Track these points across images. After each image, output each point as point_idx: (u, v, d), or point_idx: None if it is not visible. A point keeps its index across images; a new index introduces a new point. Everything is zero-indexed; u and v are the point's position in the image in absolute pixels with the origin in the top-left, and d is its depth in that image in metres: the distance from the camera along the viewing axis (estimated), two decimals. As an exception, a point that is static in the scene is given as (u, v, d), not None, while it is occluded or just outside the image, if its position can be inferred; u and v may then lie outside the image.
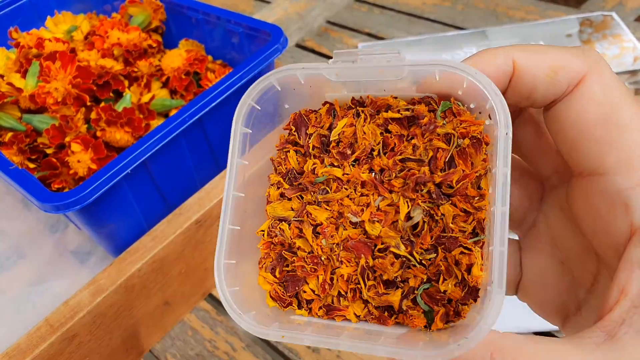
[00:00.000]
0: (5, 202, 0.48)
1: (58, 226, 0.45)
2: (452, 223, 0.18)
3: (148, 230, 0.36)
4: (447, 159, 0.18)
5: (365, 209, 0.19)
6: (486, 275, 0.17)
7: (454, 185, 0.18)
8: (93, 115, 0.40)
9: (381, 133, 0.19)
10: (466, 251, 0.18)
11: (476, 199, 0.18)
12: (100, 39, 0.47)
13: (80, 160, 0.39)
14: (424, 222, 0.18)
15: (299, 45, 0.65)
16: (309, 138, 0.20)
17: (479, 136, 0.18)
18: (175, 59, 0.44)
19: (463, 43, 0.59)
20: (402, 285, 0.18)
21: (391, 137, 0.19)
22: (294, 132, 0.21)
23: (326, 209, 0.19)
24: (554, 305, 0.20)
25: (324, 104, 0.21)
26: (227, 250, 0.19)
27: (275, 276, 0.20)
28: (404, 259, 0.18)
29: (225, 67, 0.47)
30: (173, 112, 0.44)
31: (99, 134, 0.40)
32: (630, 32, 0.54)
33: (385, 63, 0.19)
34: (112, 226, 0.36)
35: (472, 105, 0.19)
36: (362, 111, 0.20)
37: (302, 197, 0.20)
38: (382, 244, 0.19)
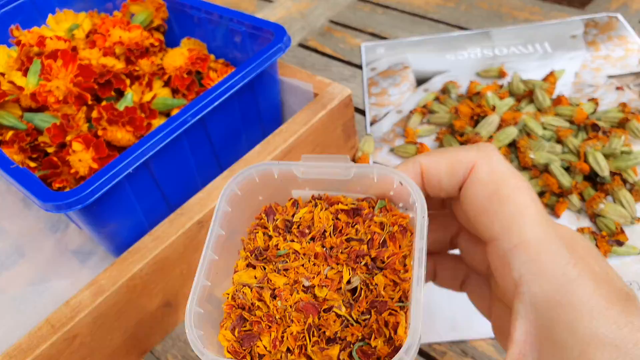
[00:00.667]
0: (5, 200, 0.47)
1: (59, 226, 0.44)
2: (383, 291, 0.23)
3: (149, 230, 0.36)
4: (381, 241, 0.24)
5: (316, 276, 0.23)
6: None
7: (386, 260, 0.23)
8: (94, 114, 0.40)
9: (333, 219, 0.25)
10: (394, 313, 0.22)
11: (402, 272, 0.23)
12: (102, 37, 0.46)
13: (82, 159, 0.39)
14: (361, 288, 0.23)
15: (301, 45, 0.65)
16: (276, 222, 0.26)
17: (405, 225, 0.24)
18: (177, 58, 0.44)
19: (467, 44, 0.59)
20: (341, 341, 0.22)
21: (340, 223, 0.25)
22: (266, 220, 0.26)
23: (284, 275, 0.24)
24: None
25: (289, 200, 0.26)
26: (198, 300, 0.23)
27: (234, 335, 0.23)
28: (344, 318, 0.22)
29: (227, 67, 0.47)
30: (175, 112, 0.43)
31: (100, 133, 0.40)
32: (635, 34, 0.54)
33: (338, 171, 0.25)
34: (113, 226, 0.36)
35: (400, 205, 0.25)
36: (319, 202, 0.26)
37: (265, 268, 0.24)
38: (327, 305, 0.23)
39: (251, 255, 0.25)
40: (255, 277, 0.24)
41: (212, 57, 0.47)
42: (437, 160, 0.23)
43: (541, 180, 0.39)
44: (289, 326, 0.22)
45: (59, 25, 0.51)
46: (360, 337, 0.22)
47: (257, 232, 0.25)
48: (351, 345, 0.22)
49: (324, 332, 0.22)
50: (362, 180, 0.25)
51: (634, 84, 0.48)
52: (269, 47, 0.39)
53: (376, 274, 0.23)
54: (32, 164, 0.41)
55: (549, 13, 0.62)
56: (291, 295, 0.23)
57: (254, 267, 0.24)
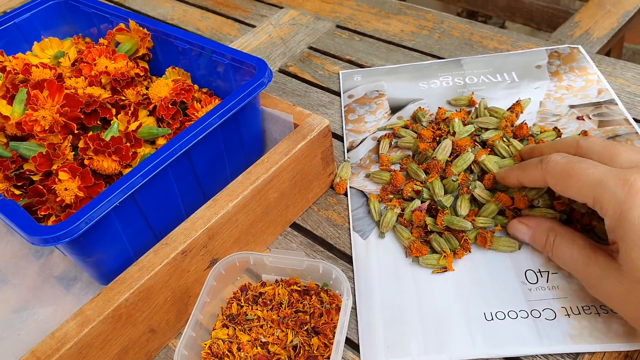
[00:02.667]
0: (-12, 226, 0.48)
1: (42, 251, 0.45)
2: (316, 350, 0.33)
3: (135, 258, 0.37)
4: (319, 314, 0.35)
5: (271, 336, 0.34)
6: None
7: (320, 327, 0.34)
8: (81, 144, 0.41)
9: (288, 295, 0.36)
10: None
11: (331, 338, 0.33)
12: (88, 66, 0.48)
13: (68, 188, 0.40)
14: (301, 347, 0.33)
15: (282, 71, 0.67)
16: (247, 295, 0.37)
17: (339, 305, 0.35)
18: (162, 88, 0.45)
19: (439, 71, 0.62)
20: None
21: (292, 298, 0.36)
22: (240, 295, 0.37)
23: (248, 334, 0.34)
24: None
25: (259, 282, 0.39)
26: (184, 345, 0.33)
27: None
28: None
29: (211, 96, 0.48)
30: (160, 140, 0.45)
31: (86, 162, 0.41)
32: (595, 65, 0.58)
33: (295, 262, 0.37)
34: (99, 255, 0.37)
35: (337, 292, 0.37)
36: (281, 283, 0.37)
37: (235, 329, 0.35)
38: (276, 357, 0.33)
39: (226, 319, 0.36)
40: (228, 335, 0.34)
41: (196, 87, 0.49)
42: (520, 178, 0.39)
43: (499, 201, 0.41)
44: None
45: (45, 52, 0.52)
46: None
47: (232, 303, 0.37)
48: None
49: None
50: (312, 269, 0.36)
51: (593, 114, 0.51)
52: (252, 82, 0.41)
53: (313, 337, 0.33)
54: (17, 192, 0.42)
55: (517, 43, 0.65)
56: (252, 349, 0.33)
57: (227, 327, 0.35)
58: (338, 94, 0.62)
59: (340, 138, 0.56)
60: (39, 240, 0.32)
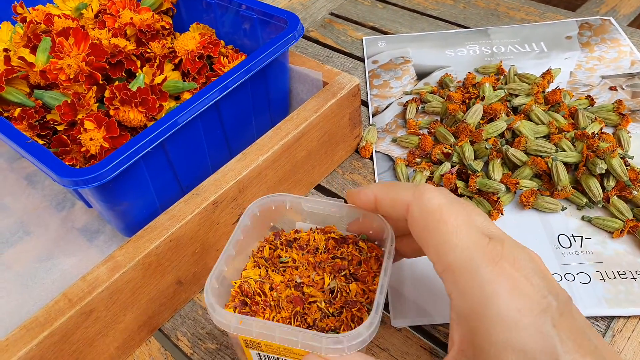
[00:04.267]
0: (8, 179, 0.47)
1: (64, 204, 0.44)
2: (354, 296, 0.30)
3: (161, 211, 0.36)
4: (359, 262, 0.32)
5: (306, 278, 0.31)
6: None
7: (359, 274, 0.31)
8: (107, 94, 0.40)
9: (325, 241, 0.33)
10: (360, 312, 0.29)
11: (370, 284, 0.30)
12: (112, 18, 0.46)
13: (93, 138, 0.39)
14: (339, 290, 0.30)
15: (304, 36, 0.65)
16: (281, 239, 0.34)
17: (379, 255, 0.32)
18: (188, 41, 0.44)
19: (465, 40, 0.60)
20: (317, 328, 0.29)
21: (329, 245, 0.33)
22: (274, 239, 0.34)
23: (282, 275, 0.31)
24: None
25: (293, 230, 0.35)
26: (215, 278, 0.29)
27: (235, 313, 0.29)
28: (323, 311, 0.29)
29: (237, 53, 0.47)
30: (185, 95, 0.44)
31: (112, 112, 0.40)
32: (627, 37, 0.56)
33: (335, 207, 0.33)
34: (126, 204, 0.36)
35: (376, 242, 0.33)
36: (316, 230, 0.34)
37: (268, 269, 0.32)
38: (311, 299, 0.30)
39: (258, 260, 0.33)
40: (260, 275, 0.31)
41: (222, 42, 0.48)
42: (384, 196, 0.29)
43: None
44: (279, 312, 0.29)
45: (66, 4, 0.50)
46: (332, 327, 0.29)
47: (265, 247, 0.33)
48: (325, 332, 0.29)
49: (306, 319, 0.29)
50: (351, 217, 0.33)
51: (627, 85, 0.50)
52: (283, 35, 0.40)
53: (351, 282, 0.30)
54: (41, 142, 0.41)
55: (544, 14, 0.64)
56: (285, 289, 0.30)
57: (260, 267, 0.32)
58: (361, 59, 0.60)
59: (365, 103, 0.55)
60: (69, 182, 0.31)
